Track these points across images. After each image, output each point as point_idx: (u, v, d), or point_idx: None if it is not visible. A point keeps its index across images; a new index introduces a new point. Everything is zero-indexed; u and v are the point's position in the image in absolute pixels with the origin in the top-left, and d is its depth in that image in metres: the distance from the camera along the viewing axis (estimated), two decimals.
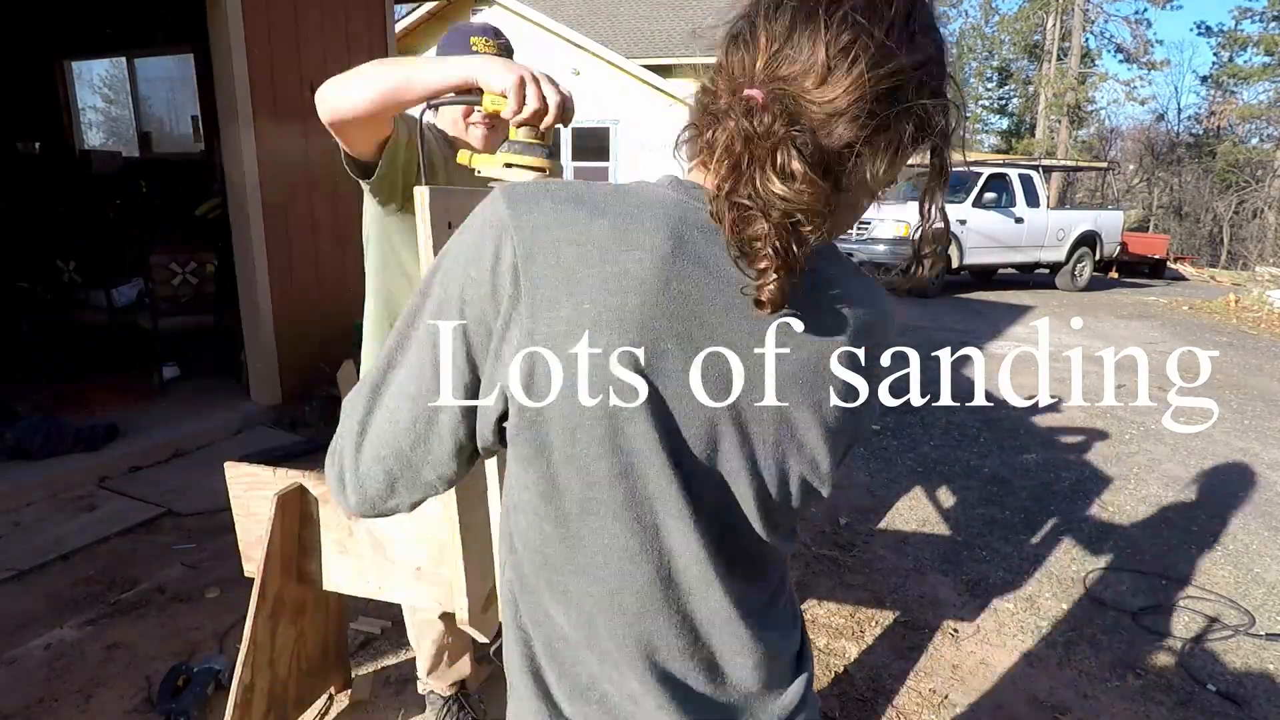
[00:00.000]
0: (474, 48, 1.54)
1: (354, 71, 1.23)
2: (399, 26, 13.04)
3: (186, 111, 6.55)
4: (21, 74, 6.40)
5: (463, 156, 1.20)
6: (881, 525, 3.40)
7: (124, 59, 6.77)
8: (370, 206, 1.57)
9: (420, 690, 2.07)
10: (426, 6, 14.01)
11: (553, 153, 1.19)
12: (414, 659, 2.32)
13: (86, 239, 5.37)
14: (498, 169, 1.16)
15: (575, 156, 14.25)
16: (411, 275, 1.58)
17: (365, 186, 1.49)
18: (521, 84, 1.09)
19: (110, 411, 4.23)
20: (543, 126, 1.13)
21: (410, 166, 1.45)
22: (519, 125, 1.14)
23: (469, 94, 1.18)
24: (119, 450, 3.79)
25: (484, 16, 14.46)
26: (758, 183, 0.61)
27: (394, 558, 1.65)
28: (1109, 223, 12.52)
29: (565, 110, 1.13)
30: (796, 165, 0.61)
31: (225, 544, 2.99)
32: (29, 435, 3.60)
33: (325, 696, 2.13)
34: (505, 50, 1.58)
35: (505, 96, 1.10)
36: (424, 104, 1.25)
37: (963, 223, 10.89)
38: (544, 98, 1.11)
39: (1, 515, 3.19)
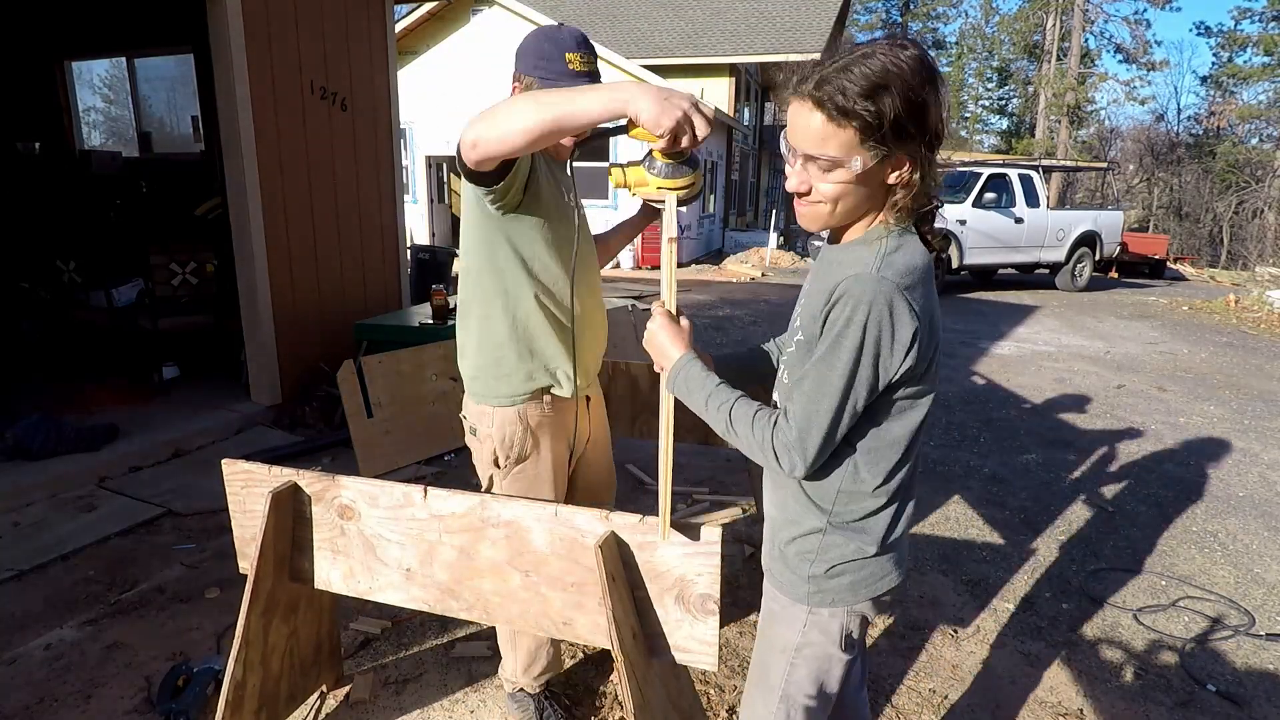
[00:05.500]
0: (570, 64, 1.59)
1: (506, 111, 1.25)
2: (399, 26, 13.05)
3: (186, 111, 6.55)
4: (21, 74, 6.40)
5: (615, 177, 1.28)
6: None
7: (124, 59, 6.76)
8: (480, 209, 1.60)
9: (507, 690, 2.05)
10: (426, 6, 14.00)
11: (694, 161, 1.24)
12: (413, 658, 2.33)
13: (86, 239, 5.37)
14: (653, 192, 1.24)
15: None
16: (529, 263, 1.64)
17: (483, 194, 1.53)
18: (679, 127, 1.14)
19: (110, 411, 4.24)
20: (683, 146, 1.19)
21: (523, 174, 1.53)
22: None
23: (619, 125, 1.22)
24: (119, 450, 3.79)
25: (484, 16, 14.46)
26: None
27: (384, 559, 1.64)
28: (1109, 223, 12.51)
29: (707, 132, 1.20)
30: None
31: (225, 544, 2.99)
32: (29, 435, 3.61)
33: (317, 694, 2.13)
34: (593, 59, 1.63)
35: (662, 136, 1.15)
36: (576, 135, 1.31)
37: (963, 223, 10.89)
38: (696, 135, 1.17)
39: (1, 515, 3.20)
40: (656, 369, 1.25)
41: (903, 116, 1.01)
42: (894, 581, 1.24)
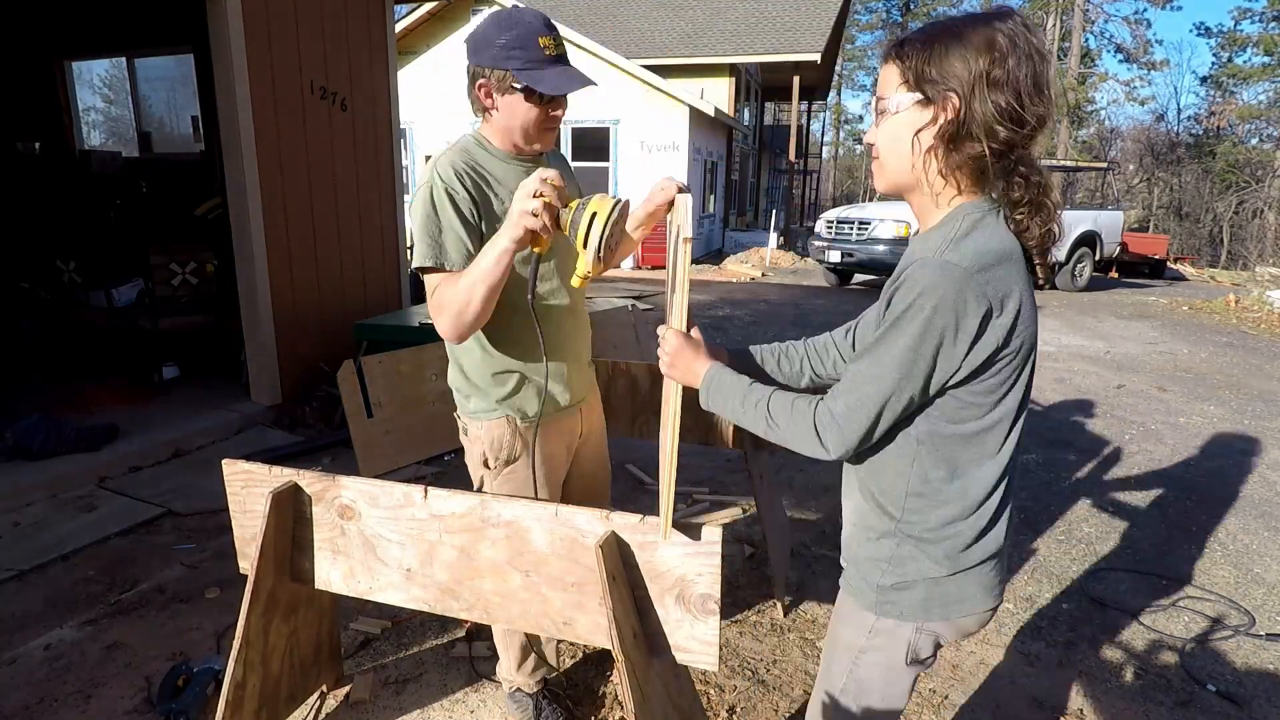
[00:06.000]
0: (545, 49, 1.51)
1: (454, 302, 1.48)
2: (399, 26, 13.05)
3: (186, 111, 6.55)
4: (21, 74, 6.40)
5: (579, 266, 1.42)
6: None
7: (124, 59, 6.77)
8: None
9: (505, 689, 2.05)
10: (426, 6, 14.00)
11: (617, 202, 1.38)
12: (413, 658, 2.33)
13: (86, 239, 5.37)
14: (593, 229, 1.36)
15: (575, 157, 14.22)
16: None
17: None
18: (534, 209, 1.35)
19: (110, 411, 4.24)
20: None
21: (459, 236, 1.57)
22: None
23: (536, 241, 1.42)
24: (119, 450, 3.79)
25: (484, 17, 14.44)
26: None
27: (384, 559, 1.64)
28: (1109, 223, 12.50)
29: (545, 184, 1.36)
30: None
31: (225, 544, 2.99)
32: (29, 435, 3.61)
33: (317, 694, 2.13)
34: (561, 42, 1.56)
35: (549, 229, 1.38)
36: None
37: None
38: (549, 205, 1.36)
39: (1, 515, 3.20)
40: (681, 384, 1.22)
41: (941, 66, 1.02)
42: (978, 606, 1.13)
